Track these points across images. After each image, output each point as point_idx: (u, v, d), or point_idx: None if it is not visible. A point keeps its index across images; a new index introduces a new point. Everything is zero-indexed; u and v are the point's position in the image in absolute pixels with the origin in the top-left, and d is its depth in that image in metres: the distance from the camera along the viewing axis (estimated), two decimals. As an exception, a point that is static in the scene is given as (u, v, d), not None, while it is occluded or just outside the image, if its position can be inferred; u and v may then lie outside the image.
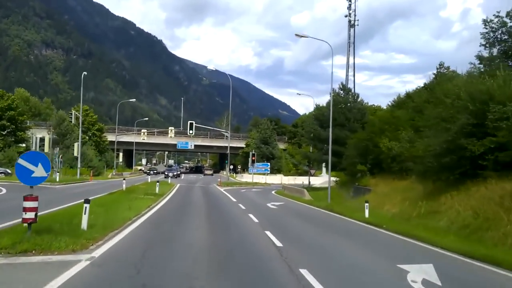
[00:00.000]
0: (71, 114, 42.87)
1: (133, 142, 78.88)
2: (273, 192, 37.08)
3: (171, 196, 26.45)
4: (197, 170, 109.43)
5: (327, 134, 40.15)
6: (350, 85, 73.79)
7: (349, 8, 69.62)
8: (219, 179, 56.01)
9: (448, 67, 31.29)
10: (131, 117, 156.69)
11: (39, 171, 9.29)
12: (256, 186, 45.68)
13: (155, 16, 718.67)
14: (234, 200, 26.16)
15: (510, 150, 13.91)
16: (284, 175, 57.38)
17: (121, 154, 60.67)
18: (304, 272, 7.49)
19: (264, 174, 56.74)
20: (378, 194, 24.14)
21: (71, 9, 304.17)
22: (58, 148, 44.38)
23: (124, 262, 8.05)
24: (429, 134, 18.72)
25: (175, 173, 62.24)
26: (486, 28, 22.50)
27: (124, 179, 26.30)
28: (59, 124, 55.49)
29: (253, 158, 47.75)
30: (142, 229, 12.40)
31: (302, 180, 49.17)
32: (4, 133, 51.42)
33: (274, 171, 61.32)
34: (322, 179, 51.00)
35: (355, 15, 70.42)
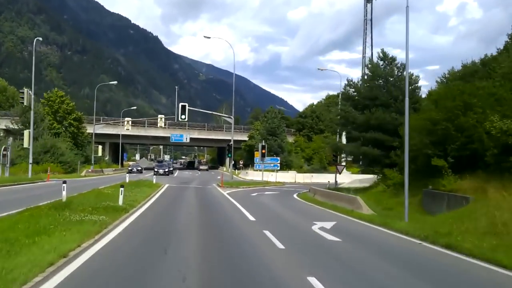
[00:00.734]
0: (23, 93, 31.42)
1: (120, 134, 67.58)
2: (295, 196, 26.06)
3: (145, 210, 15.36)
4: (190, 165, 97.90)
5: (364, 118, 29.29)
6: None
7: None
8: (219, 177, 45.28)
9: None
10: (126, 113, 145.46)
11: None
12: (268, 187, 34.64)
13: (151, 12, 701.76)
14: (249, 216, 15.04)
15: None
16: (297, 172, 46.29)
17: (100, 148, 49.32)
18: None
19: (273, 170, 45.75)
20: (495, 207, 13.23)
21: (65, 5, 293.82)
22: (11, 139, 33.24)
23: None
24: None
25: (166, 170, 51.08)
26: None
27: (64, 183, 15.07)
28: (25, 112, 44.13)
29: (263, 151, 36.51)
30: None
31: (326, 178, 38.24)
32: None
33: (283, 167, 50.26)
34: (348, 177, 40.14)
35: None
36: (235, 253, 8.45)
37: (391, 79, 29.19)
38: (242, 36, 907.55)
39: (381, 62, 30.08)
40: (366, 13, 60.97)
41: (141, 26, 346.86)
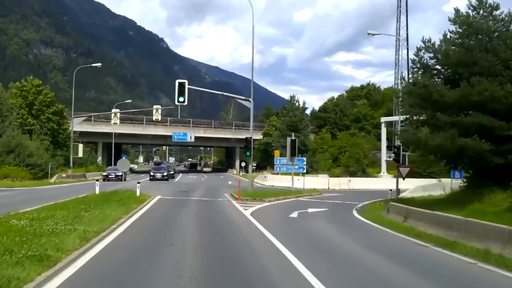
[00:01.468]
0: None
1: (120, 133, 57.35)
2: (363, 219, 15.54)
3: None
4: (192, 167, 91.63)
5: (459, 94, 18.70)
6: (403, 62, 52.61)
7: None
8: (230, 182, 35.32)
9: None
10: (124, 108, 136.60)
11: None
12: (303, 197, 23.97)
13: (156, 14, 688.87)
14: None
15: None
16: (330, 175, 35.53)
17: (81, 147, 38.70)
18: None
19: (298, 174, 35.39)
20: None
21: (70, 8, 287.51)
22: None
23: None
24: None
25: (164, 174, 40.27)
26: None
27: None
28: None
29: (293, 144, 25.27)
30: None
31: (369, 183, 27.87)
32: None
33: (308, 169, 39.61)
34: (407, 183, 29.54)
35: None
36: None
37: (495, 34, 18.63)
38: (248, 38, 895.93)
39: (472, 14, 19.50)
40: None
41: (147, 28, 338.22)
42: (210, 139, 65.05)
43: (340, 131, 52.64)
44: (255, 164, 55.78)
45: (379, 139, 46.54)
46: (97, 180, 21.01)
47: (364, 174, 37.03)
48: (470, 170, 19.45)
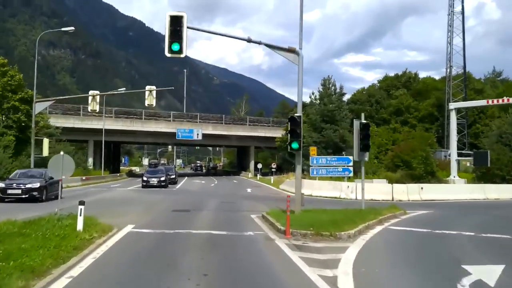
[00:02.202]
0: None
1: (114, 129, 47.39)
2: None
3: None
4: (197, 170, 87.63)
5: None
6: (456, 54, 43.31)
7: None
8: (249, 190, 25.73)
9: None
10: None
11: None
12: (387, 220, 13.45)
13: (165, 16, 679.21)
14: None
15: None
16: (388, 182, 24.90)
17: (47, 142, 28.23)
18: None
19: (341, 179, 25.08)
20: None
21: (79, 8, 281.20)
22: None
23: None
24: None
25: (162, 179, 29.33)
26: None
27: None
28: None
29: (365, 131, 14.56)
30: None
31: (447, 192, 17.53)
32: None
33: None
34: (496, 190, 19.33)
35: None
36: None
37: None
38: (257, 39, 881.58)
39: None
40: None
41: (155, 29, 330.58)
42: (220, 137, 54.48)
43: (377, 126, 41.98)
44: (275, 166, 45.28)
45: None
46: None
47: (434, 178, 26.46)
48: None
